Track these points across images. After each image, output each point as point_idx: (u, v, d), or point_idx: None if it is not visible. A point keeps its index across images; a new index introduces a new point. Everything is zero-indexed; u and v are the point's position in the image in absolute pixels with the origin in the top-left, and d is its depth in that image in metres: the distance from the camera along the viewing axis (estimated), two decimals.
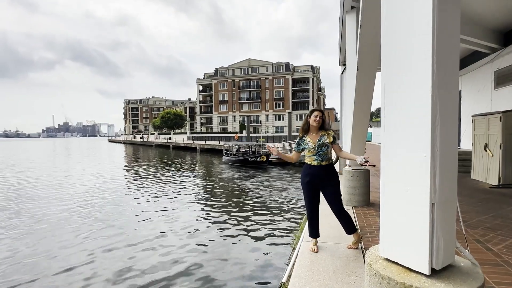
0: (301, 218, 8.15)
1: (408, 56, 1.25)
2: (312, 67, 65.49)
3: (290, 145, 25.81)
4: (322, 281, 2.58)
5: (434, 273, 1.24)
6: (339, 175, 6.31)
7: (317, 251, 3.21)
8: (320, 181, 3.15)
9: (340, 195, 3.18)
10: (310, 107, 57.88)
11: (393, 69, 1.31)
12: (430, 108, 1.17)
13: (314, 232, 3.31)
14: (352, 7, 5.10)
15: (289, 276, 3.56)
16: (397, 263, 1.33)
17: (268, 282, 5.12)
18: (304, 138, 3.22)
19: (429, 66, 1.17)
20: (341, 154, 3.24)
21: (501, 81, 7.77)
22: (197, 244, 6.77)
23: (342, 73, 9.40)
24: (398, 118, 1.30)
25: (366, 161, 2.99)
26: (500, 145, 6.24)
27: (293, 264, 3.92)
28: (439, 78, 1.18)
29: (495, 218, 4.22)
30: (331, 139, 3.12)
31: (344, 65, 9.08)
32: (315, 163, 3.14)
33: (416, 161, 1.23)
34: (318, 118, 3.12)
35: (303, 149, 3.22)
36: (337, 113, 60.72)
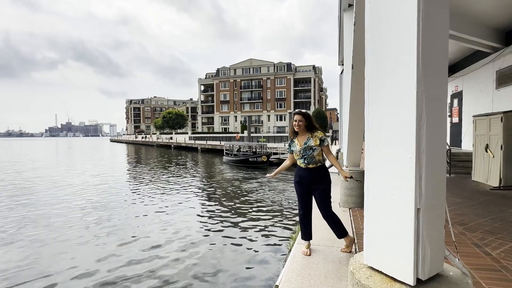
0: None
1: (392, 50, 1.16)
2: (314, 67, 65.30)
3: None
4: (313, 286, 2.50)
5: (420, 283, 1.15)
6: (338, 176, 6.21)
7: (309, 255, 3.12)
8: (309, 183, 3.08)
9: (328, 198, 3.09)
10: (312, 108, 57.71)
11: (377, 64, 1.22)
12: (415, 106, 1.09)
13: (306, 234, 3.22)
14: (350, 5, 5.01)
15: None
16: (381, 272, 1.24)
17: (265, 285, 5.04)
18: (293, 140, 3.17)
19: (414, 59, 1.08)
20: (329, 158, 3.13)
21: (503, 81, 7.65)
22: (195, 244, 6.71)
23: (341, 73, 9.30)
24: (382, 116, 1.21)
25: (351, 177, 3.04)
26: (501, 146, 6.12)
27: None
28: (426, 73, 1.10)
29: (494, 221, 4.12)
30: (318, 142, 3.01)
31: (343, 64, 8.99)
32: (302, 165, 3.10)
33: (400, 163, 1.14)
34: (297, 123, 3.03)
35: (293, 151, 3.16)
36: (338, 113, 60.52)
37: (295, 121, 3.05)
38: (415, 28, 1.07)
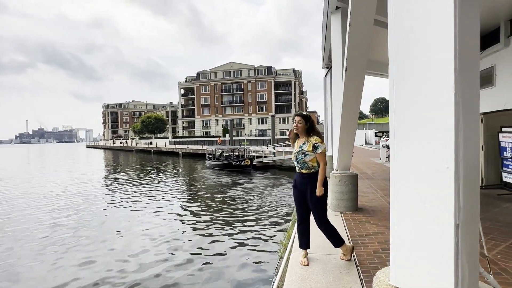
0: (287, 224, 7.94)
1: (425, 47, 1.05)
2: (294, 70, 66.02)
3: (273, 148, 25.69)
4: None
5: None
6: (329, 180, 6.12)
7: (307, 264, 2.99)
8: (302, 188, 2.99)
9: (322, 206, 2.95)
10: (293, 110, 58.13)
11: (405, 64, 1.11)
12: (453, 109, 0.97)
13: (303, 242, 3.10)
14: (337, 8, 4.98)
15: None
16: None
17: None
18: (296, 141, 3.11)
19: (451, 57, 0.97)
20: (320, 165, 2.95)
21: (480, 84, 7.93)
22: (180, 252, 6.42)
23: (325, 76, 9.33)
24: (414, 122, 1.09)
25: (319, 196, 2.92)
26: (482, 147, 6.31)
27: (282, 274, 3.68)
28: (462, 73, 0.99)
29: (483, 221, 4.17)
30: (310, 148, 2.89)
31: (328, 67, 9.02)
32: (296, 169, 3.06)
33: (436, 173, 1.03)
34: (296, 124, 2.97)
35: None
36: (319, 116, 61.24)
37: (294, 122, 2.98)
38: (452, 24, 0.96)
